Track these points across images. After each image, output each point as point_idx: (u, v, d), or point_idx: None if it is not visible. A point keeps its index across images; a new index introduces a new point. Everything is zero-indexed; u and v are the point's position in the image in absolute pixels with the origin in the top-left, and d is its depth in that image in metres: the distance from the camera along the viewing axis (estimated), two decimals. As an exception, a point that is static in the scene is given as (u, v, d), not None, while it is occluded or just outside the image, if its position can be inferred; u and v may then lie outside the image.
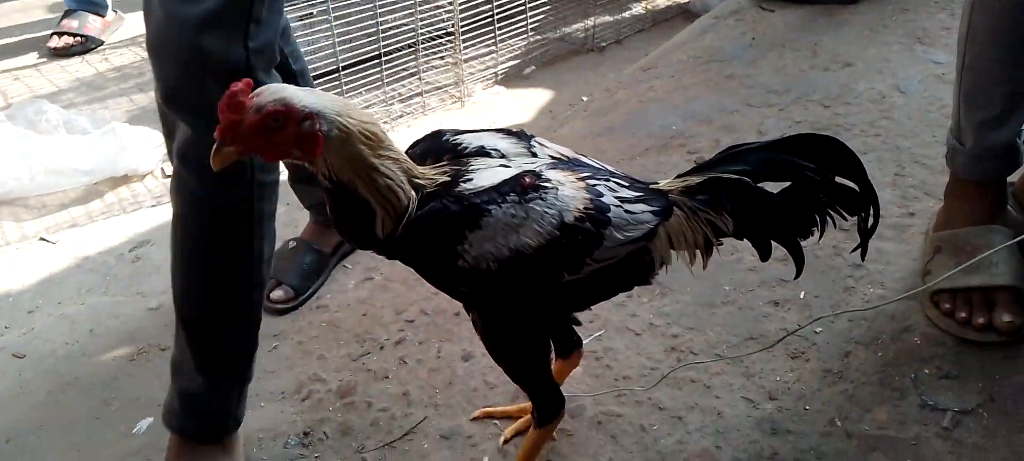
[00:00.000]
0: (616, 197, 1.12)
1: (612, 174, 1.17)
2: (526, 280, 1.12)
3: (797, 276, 1.24)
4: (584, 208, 1.10)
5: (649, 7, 3.28)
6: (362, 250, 1.22)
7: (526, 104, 2.81)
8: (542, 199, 1.08)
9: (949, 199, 1.56)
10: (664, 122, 2.28)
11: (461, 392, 1.54)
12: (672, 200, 1.14)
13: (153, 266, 2.04)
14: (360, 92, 2.71)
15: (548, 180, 1.10)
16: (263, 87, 1.00)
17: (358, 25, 2.54)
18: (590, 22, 3.11)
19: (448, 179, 1.14)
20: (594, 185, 1.12)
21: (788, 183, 1.17)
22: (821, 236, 1.18)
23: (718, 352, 1.53)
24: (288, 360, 1.69)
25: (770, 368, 1.47)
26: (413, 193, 1.09)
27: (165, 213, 2.24)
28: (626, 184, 1.15)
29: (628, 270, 1.16)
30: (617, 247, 1.12)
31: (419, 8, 2.71)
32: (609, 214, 1.11)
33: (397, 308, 1.81)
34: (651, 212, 1.12)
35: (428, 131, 1.24)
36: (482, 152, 1.17)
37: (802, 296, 1.63)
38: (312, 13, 2.48)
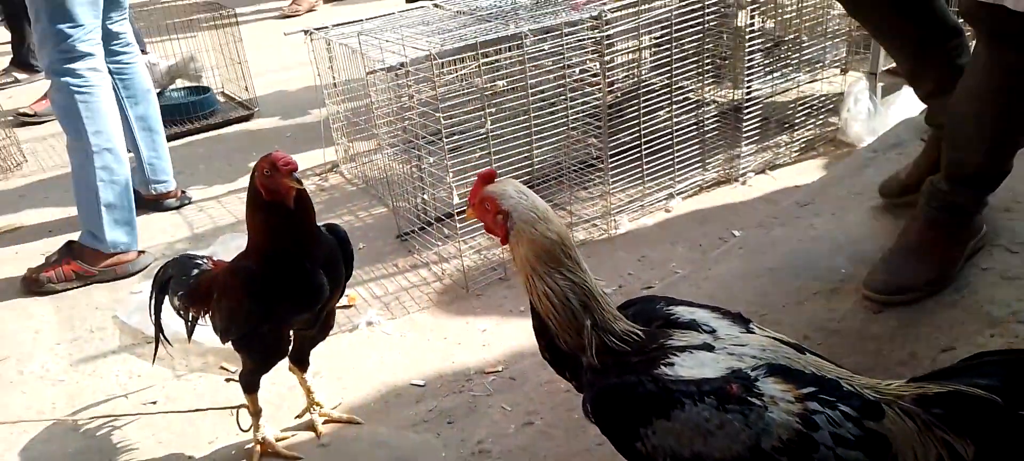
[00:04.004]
0: (833, 434, 1.00)
1: (841, 396, 1.04)
2: None
3: None
4: (787, 439, 1.00)
5: (795, 138, 3.23)
6: (557, 372, 1.27)
7: (673, 236, 2.78)
8: (743, 415, 1.01)
9: None
10: (831, 264, 2.18)
11: (636, 559, 1.47)
12: (904, 409, 1.03)
13: (322, 398, 2.10)
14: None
15: (759, 395, 1.03)
16: (504, 180, 1.26)
17: (513, 155, 2.63)
18: (735, 153, 3.09)
19: (640, 338, 1.14)
20: (813, 412, 1.01)
21: None
22: None
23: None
24: (454, 509, 1.69)
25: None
26: (585, 319, 1.14)
27: (334, 345, 2.34)
28: (854, 413, 1.02)
29: None
30: None
31: (569, 142, 2.79)
32: (815, 454, 1.00)
33: (560, 459, 1.78)
34: None
35: (642, 295, 1.26)
36: (693, 326, 1.15)
37: None
38: (476, 153, 2.59)
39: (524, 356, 2.19)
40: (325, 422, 1.99)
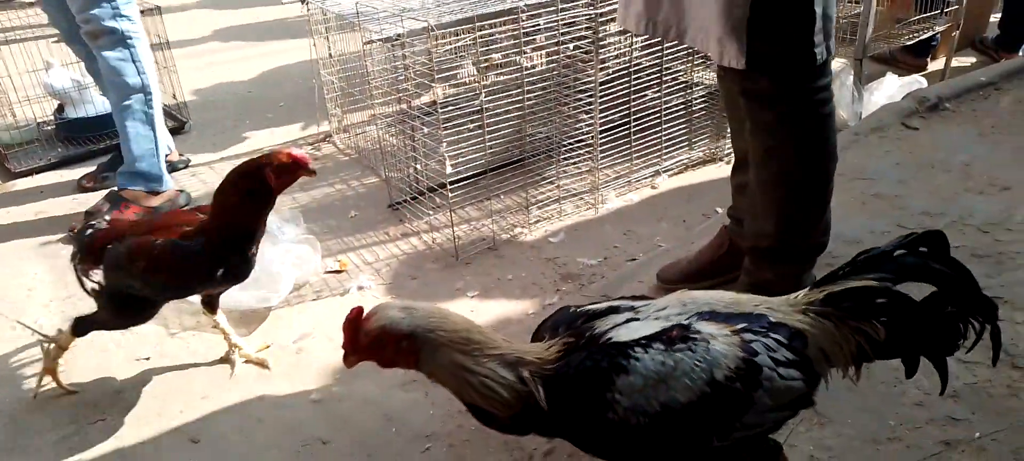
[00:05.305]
0: (772, 358, 1.09)
1: (771, 327, 1.13)
2: (675, 441, 1.09)
3: (942, 392, 1.23)
4: (736, 367, 1.07)
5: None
6: (520, 435, 1.28)
7: (659, 213, 2.84)
8: (692, 350, 1.07)
9: None
10: (810, 241, 2.25)
11: (616, 512, 1.53)
12: (819, 311, 1.16)
13: (314, 358, 2.16)
14: (500, 196, 2.84)
15: (697, 332, 1.09)
16: (373, 310, 1.16)
17: (505, 128, 2.67)
18: (721, 133, 3.14)
19: (572, 341, 1.16)
20: (750, 341, 1.10)
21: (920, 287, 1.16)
22: (970, 348, 1.18)
23: (888, 494, 1.47)
24: (441, 464, 1.74)
25: (949, 516, 1.40)
26: (522, 373, 1.12)
27: (326, 307, 2.39)
28: (784, 341, 1.12)
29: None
30: (766, 413, 1.10)
31: (561, 120, 2.84)
32: (761, 376, 1.08)
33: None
34: (802, 381, 1.11)
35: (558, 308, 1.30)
36: (612, 310, 1.19)
37: (977, 437, 1.55)
38: (469, 126, 2.63)
39: (511, 322, 2.25)
40: (245, 362, 2.13)
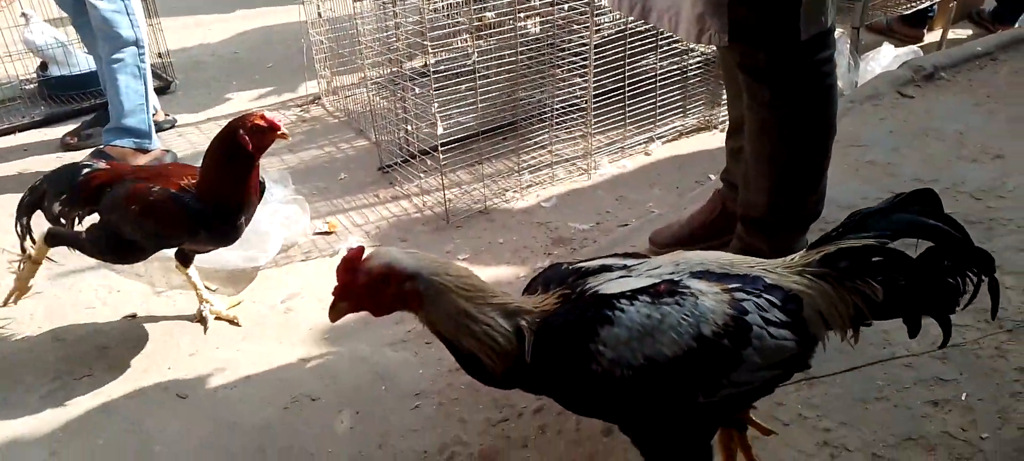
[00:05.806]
0: (763, 318, 1.08)
1: (766, 288, 1.11)
2: (659, 395, 1.08)
3: (944, 344, 1.21)
4: (724, 323, 1.06)
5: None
6: (506, 389, 1.25)
7: (651, 179, 2.83)
8: (679, 305, 1.05)
9: None
10: (803, 206, 2.24)
11: (604, 468, 1.53)
12: (816, 273, 1.13)
13: (302, 318, 2.15)
14: (491, 160, 2.82)
15: (687, 287, 1.08)
16: (373, 252, 1.09)
17: (498, 96, 2.65)
18: (716, 101, 3.12)
19: (558, 302, 1.14)
20: (741, 300, 1.08)
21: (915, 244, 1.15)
22: (968, 302, 1.16)
23: (875, 452, 1.47)
24: (430, 420, 1.74)
25: (936, 474, 1.40)
26: (518, 324, 1.10)
27: (314, 268, 2.37)
28: (778, 303, 1.10)
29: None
30: (756, 372, 1.08)
31: (554, 84, 2.81)
32: (751, 334, 1.06)
33: (535, 377, 1.83)
34: (794, 341, 1.09)
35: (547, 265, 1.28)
36: (604, 269, 1.17)
37: (964, 398, 1.56)
38: (460, 88, 2.60)
39: (502, 285, 2.22)
40: (216, 319, 2.13)
